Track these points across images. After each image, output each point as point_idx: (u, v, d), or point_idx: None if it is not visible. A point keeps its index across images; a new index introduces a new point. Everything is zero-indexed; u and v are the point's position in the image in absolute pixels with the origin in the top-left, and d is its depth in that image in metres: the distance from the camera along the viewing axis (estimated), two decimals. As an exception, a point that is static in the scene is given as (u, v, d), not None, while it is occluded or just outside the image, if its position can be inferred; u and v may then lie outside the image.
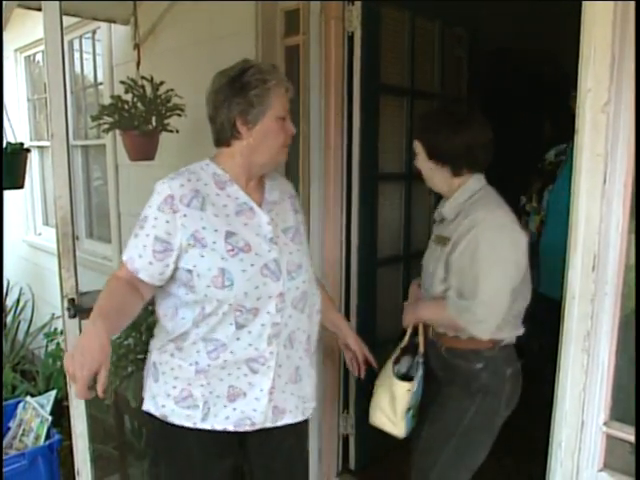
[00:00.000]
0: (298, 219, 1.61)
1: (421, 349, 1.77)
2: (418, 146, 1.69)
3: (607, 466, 1.49)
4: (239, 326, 1.42)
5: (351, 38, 2.27)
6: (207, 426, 1.47)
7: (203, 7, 2.67)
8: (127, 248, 1.44)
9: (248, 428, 1.50)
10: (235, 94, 1.43)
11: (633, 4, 1.30)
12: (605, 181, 1.37)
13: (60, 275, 1.70)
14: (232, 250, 1.41)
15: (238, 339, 1.43)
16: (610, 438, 1.48)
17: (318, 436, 2.44)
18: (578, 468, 1.50)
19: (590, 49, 1.36)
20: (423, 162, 1.69)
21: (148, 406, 1.53)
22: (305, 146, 2.32)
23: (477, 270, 1.54)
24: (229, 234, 1.42)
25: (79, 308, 1.70)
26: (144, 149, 2.60)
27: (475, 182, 1.66)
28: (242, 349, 1.44)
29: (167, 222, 1.39)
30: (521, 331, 1.69)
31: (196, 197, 1.41)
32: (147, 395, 1.54)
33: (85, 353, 1.16)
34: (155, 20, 2.95)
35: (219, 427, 1.47)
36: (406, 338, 1.81)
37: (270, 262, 1.45)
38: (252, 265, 1.42)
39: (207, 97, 1.49)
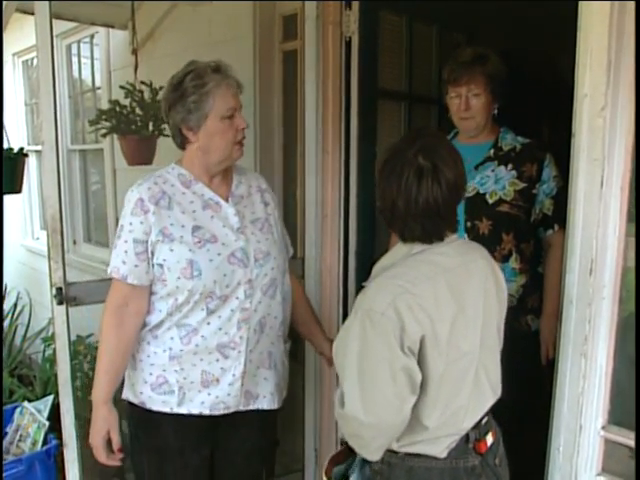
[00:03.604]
0: (268, 211, 1.67)
1: None
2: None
3: (605, 470, 1.49)
4: (209, 312, 1.50)
5: (349, 43, 2.27)
6: (184, 410, 1.54)
7: (201, 12, 2.67)
8: (111, 261, 1.53)
9: (223, 411, 1.56)
10: (175, 102, 1.50)
11: (629, 9, 1.31)
12: (602, 185, 1.38)
13: (49, 266, 1.83)
14: (199, 242, 1.49)
15: (208, 323, 1.51)
16: (608, 442, 1.47)
17: (315, 439, 2.44)
18: (576, 472, 1.49)
19: (586, 54, 1.37)
20: None
21: (127, 394, 1.60)
22: (303, 151, 2.33)
23: (345, 374, 1.20)
24: (195, 228, 1.50)
25: (66, 297, 1.84)
26: (142, 154, 2.60)
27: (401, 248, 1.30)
28: (212, 333, 1.51)
29: (141, 223, 1.48)
30: (450, 439, 1.24)
31: (163, 198, 1.50)
32: (127, 384, 1.61)
33: (93, 427, 1.53)
34: (153, 25, 2.96)
35: (195, 411, 1.54)
36: None
37: (237, 250, 1.52)
38: (219, 254, 1.49)
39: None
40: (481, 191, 1.91)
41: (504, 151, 1.94)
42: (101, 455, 1.54)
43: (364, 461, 1.34)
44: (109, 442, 1.54)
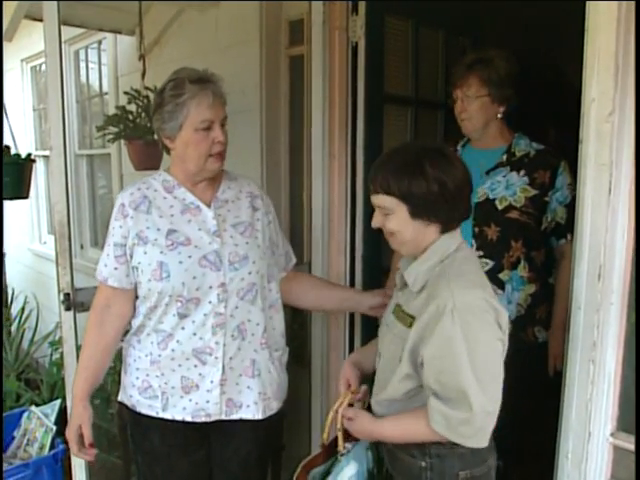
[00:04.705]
0: (256, 216, 1.65)
1: (340, 447, 1.43)
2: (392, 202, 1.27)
3: (614, 477, 1.48)
4: (181, 316, 1.51)
5: (355, 48, 2.27)
6: (168, 416, 1.56)
7: (208, 17, 2.68)
8: (97, 264, 1.59)
9: (204, 419, 1.57)
10: (155, 109, 1.54)
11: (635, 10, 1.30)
12: (610, 191, 1.37)
13: (57, 272, 1.85)
14: (172, 244, 1.50)
15: (183, 328, 1.52)
16: (617, 449, 1.46)
17: (321, 432, 2.43)
18: (585, 479, 1.48)
19: (594, 59, 1.36)
20: (404, 224, 1.28)
21: (121, 397, 1.66)
22: (309, 155, 2.33)
23: (461, 377, 1.19)
24: (171, 231, 1.52)
25: (74, 302, 1.87)
26: (149, 158, 2.61)
27: (448, 241, 1.31)
28: (187, 338, 1.52)
29: (120, 227, 1.53)
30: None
31: (143, 202, 1.54)
32: (121, 386, 1.67)
33: (69, 422, 1.58)
34: (160, 30, 2.97)
35: (178, 417, 1.56)
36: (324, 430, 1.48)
37: (210, 253, 1.52)
38: (189, 257, 1.50)
39: None
40: (491, 197, 1.89)
41: (517, 157, 1.91)
42: (73, 448, 1.58)
43: (381, 460, 1.41)
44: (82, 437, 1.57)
